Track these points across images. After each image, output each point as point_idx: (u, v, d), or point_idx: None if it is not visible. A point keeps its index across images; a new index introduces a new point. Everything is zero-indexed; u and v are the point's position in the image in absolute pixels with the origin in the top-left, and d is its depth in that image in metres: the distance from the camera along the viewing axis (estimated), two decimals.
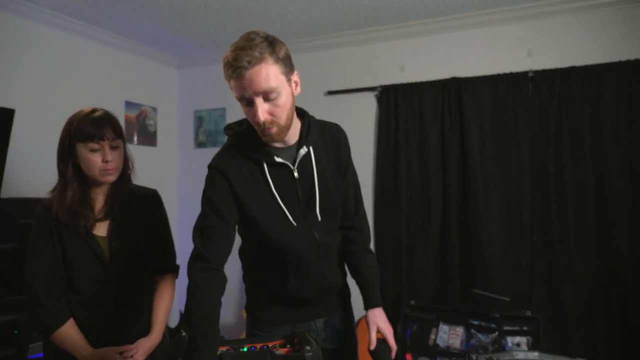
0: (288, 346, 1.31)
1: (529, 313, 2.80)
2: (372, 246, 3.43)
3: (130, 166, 1.65)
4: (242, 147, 1.39)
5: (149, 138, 3.99)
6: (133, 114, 3.81)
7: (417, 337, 3.05)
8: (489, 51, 3.20)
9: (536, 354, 1.61)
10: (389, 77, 3.44)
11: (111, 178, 1.56)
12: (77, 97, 3.16)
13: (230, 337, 1.74)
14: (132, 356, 1.51)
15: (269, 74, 1.24)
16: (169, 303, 1.70)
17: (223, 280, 1.33)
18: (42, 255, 1.52)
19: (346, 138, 1.53)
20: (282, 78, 1.28)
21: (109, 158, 1.52)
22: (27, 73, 2.96)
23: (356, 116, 3.52)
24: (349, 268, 1.60)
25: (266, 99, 1.26)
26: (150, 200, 1.70)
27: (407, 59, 3.41)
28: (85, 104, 1.61)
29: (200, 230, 1.34)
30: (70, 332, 1.50)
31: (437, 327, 3.01)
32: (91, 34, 3.38)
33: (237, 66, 1.22)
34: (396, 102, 3.35)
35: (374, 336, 1.48)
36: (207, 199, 1.36)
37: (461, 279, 3.13)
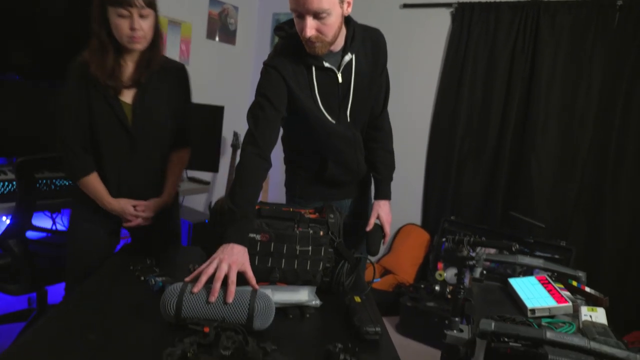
0: (316, 214, 1.55)
1: (563, 243, 2.89)
2: (423, 161, 3.60)
3: (160, 38, 1.67)
4: (293, 49, 1.52)
5: (228, 36, 4.22)
6: (216, 10, 4.02)
7: (451, 250, 3.25)
8: None
9: (541, 261, 1.77)
10: None
11: (139, 46, 1.59)
12: None
13: None
14: (142, 211, 1.72)
15: None
16: (181, 172, 1.88)
17: (267, 167, 1.50)
18: (73, 107, 1.62)
19: (385, 43, 1.65)
20: (336, 0, 1.38)
21: (136, 26, 1.54)
22: None
23: (428, 32, 3.51)
24: (367, 163, 1.79)
25: (316, 17, 1.38)
26: (178, 75, 1.76)
27: None
28: None
29: (255, 119, 1.49)
30: (94, 182, 1.67)
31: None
32: None
33: None
34: (470, 21, 3.30)
35: (372, 220, 1.71)
36: (263, 92, 1.50)
37: (504, 203, 3.23)
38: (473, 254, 1.51)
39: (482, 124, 3.29)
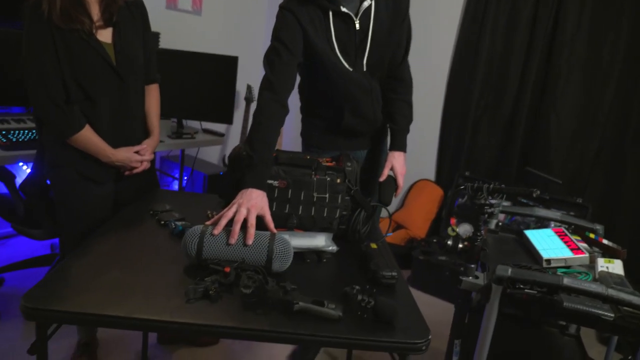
0: (333, 162, 1.55)
1: (579, 200, 2.87)
2: (438, 116, 3.54)
3: None
4: None
5: None
6: None
7: (464, 206, 3.25)
8: None
9: (559, 213, 1.76)
10: None
11: None
12: None
13: None
14: (143, 155, 1.70)
15: None
16: (159, 108, 1.83)
17: (285, 112, 1.48)
18: (46, 56, 1.46)
19: None
20: None
21: None
22: None
23: None
24: (384, 114, 1.76)
25: None
26: (139, 6, 1.67)
27: None
28: None
29: (271, 65, 1.47)
30: (90, 136, 1.56)
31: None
32: None
33: None
34: None
35: (386, 171, 1.68)
36: (278, 36, 1.48)
37: (520, 160, 3.19)
38: (492, 201, 1.50)
39: (501, 77, 3.21)
